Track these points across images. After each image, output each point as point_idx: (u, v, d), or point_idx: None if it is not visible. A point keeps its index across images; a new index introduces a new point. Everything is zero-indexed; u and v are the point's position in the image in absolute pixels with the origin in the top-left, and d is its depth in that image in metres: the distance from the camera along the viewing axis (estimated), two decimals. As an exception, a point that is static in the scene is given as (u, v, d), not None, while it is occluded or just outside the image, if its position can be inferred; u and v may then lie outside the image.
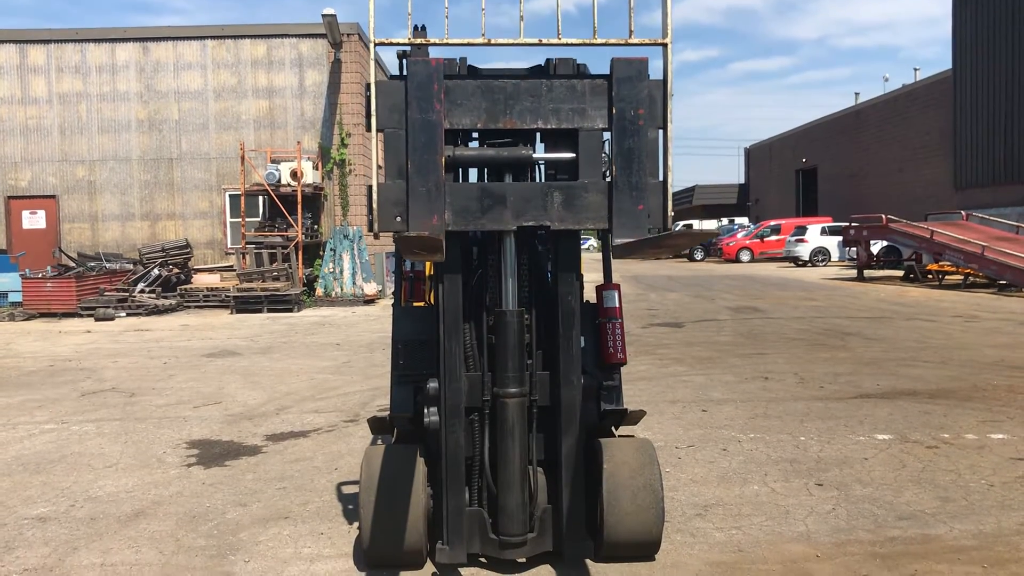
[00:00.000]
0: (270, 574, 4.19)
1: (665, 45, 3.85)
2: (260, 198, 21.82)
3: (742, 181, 66.07)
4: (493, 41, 4.01)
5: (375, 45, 3.81)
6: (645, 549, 4.20)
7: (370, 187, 3.82)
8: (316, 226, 22.29)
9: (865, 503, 5.09)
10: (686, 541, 4.53)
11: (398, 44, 4.05)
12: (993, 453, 6.11)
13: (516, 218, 3.85)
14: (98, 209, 22.65)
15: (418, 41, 3.94)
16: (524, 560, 4.18)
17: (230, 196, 22.41)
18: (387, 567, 4.16)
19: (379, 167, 3.83)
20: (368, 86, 3.79)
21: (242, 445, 6.79)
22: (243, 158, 21.12)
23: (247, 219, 21.34)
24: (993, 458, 5.98)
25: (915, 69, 49.29)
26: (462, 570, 4.13)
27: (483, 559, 4.20)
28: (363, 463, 4.16)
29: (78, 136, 22.52)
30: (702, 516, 4.91)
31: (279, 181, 20.91)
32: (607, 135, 3.93)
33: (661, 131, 3.90)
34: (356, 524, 4.67)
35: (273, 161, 21.46)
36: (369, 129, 3.78)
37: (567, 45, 4.01)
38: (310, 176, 21.30)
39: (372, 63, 3.80)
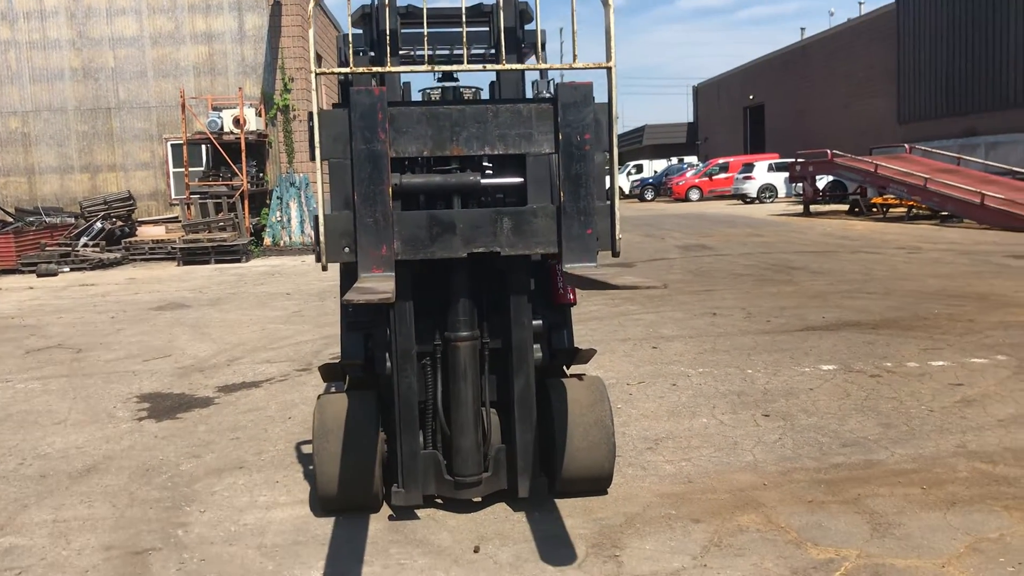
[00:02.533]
0: (226, 523, 4.20)
1: (609, 68, 3.84)
2: (203, 147, 21.42)
3: (691, 120, 66.19)
4: (436, 67, 4.01)
5: (315, 75, 3.75)
6: (598, 484, 4.28)
7: (316, 216, 3.78)
8: (261, 174, 21.97)
9: (810, 432, 5.22)
10: (637, 474, 4.62)
11: (340, 72, 4.00)
12: (933, 380, 6.28)
13: (466, 245, 3.81)
14: (34, 162, 22.07)
15: (360, 70, 3.86)
16: (479, 499, 4.24)
17: (172, 146, 21.96)
18: (343, 511, 4.19)
19: (323, 179, 3.78)
20: (311, 115, 3.72)
21: (194, 397, 6.75)
22: (184, 106, 20.66)
23: (190, 169, 20.96)
24: (933, 385, 6.16)
25: (859, 3, 49.36)
26: (418, 511, 4.17)
27: (439, 500, 4.25)
28: (316, 410, 4.17)
29: (8, 86, 21.84)
30: (653, 450, 5.01)
31: (222, 129, 20.52)
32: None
33: (607, 153, 3.91)
34: (312, 471, 4.68)
35: (215, 109, 21.02)
36: (313, 159, 3.72)
37: (512, 70, 4.03)
38: (253, 123, 20.93)
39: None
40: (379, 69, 3.88)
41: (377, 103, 3.68)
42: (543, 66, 4.18)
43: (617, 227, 3.88)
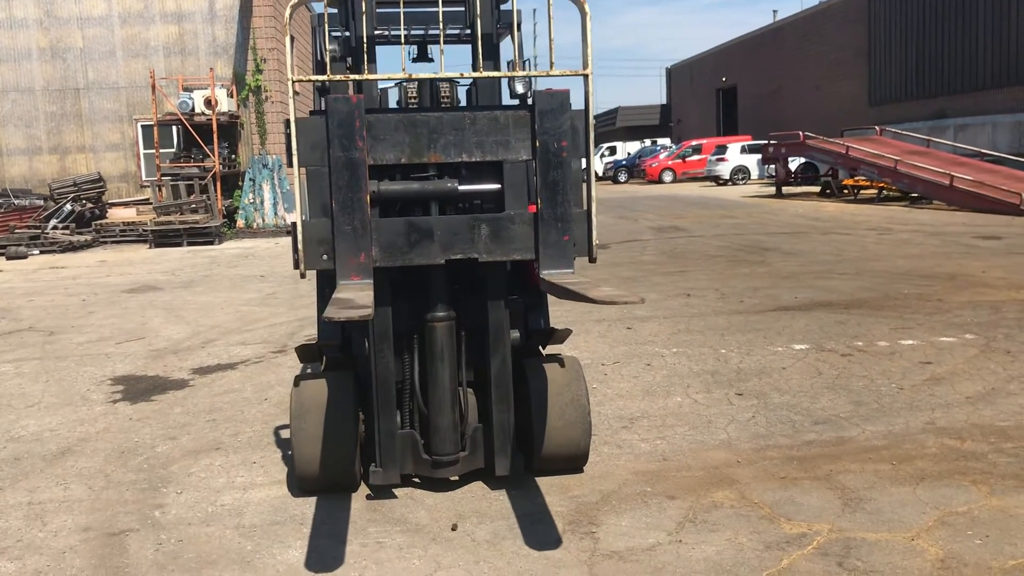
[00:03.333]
0: (204, 504, 4.20)
1: (586, 76, 3.87)
2: (174, 128, 21.21)
3: (664, 102, 66.26)
4: (414, 76, 4.03)
5: (292, 82, 3.74)
6: (574, 462, 4.32)
7: (293, 223, 3.78)
8: (234, 156, 21.79)
9: (783, 410, 5.30)
10: (613, 453, 4.67)
11: (317, 80, 3.99)
12: (903, 358, 6.38)
13: (443, 252, 3.83)
14: (2, 143, 21.76)
15: (338, 77, 3.85)
16: (457, 478, 4.27)
17: (142, 127, 21.72)
18: (322, 491, 4.20)
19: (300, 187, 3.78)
20: (287, 122, 3.72)
21: (168, 379, 6.73)
22: (154, 87, 20.43)
23: (161, 150, 20.74)
24: (903, 363, 6.25)
25: (831, -15, 49.49)
26: (396, 491, 4.20)
27: (416, 479, 4.28)
28: (293, 391, 4.18)
29: (-25, 67, 21.47)
30: (628, 428, 5.06)
31: (193, 110, 20.32)
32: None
33: (584, 159, 3.93)
34: (289, 452, 4.69)
35: (186, 89, 20.81)
36: (291, 166, 3.72)
37: (489, 77, 4.05)
38: (225, 104, 20.74)
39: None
40: (356, 77, 3.91)
41: (355, 111, 3.69)
42: (521, 73, 4.20)
43: (594, 233, 3.93)
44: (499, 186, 3.94)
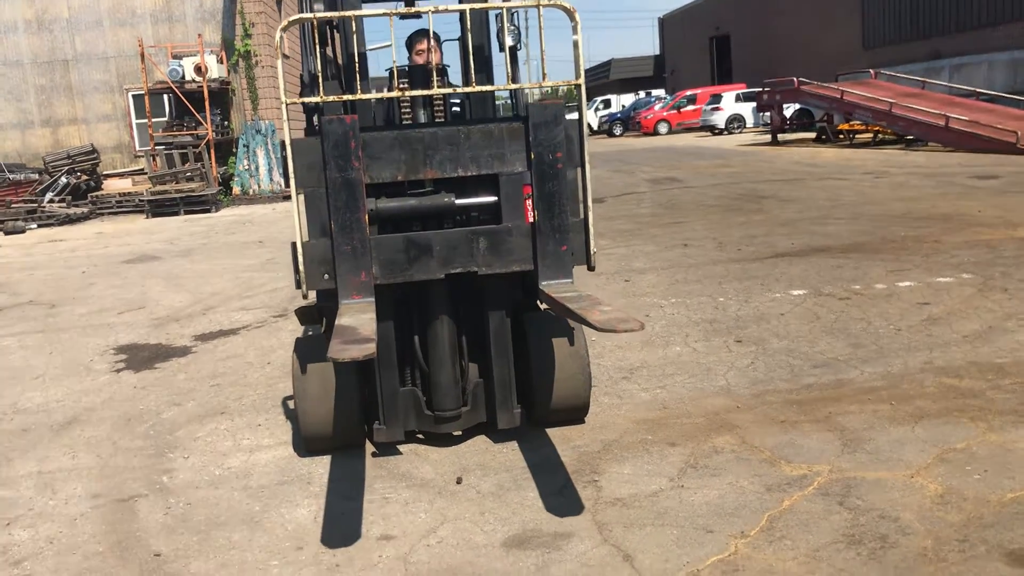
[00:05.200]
0: (211, 467, 4.25)
1: (579, 86, 3.88)
2: (165, 97, 21.06)
3: (657, 52, 65.69)
4: (407, 92, 4.03)
5: (285, 105, 3.72)
6: (575, 413, 4.37)
7: (294, 244, 3.80)
8: (226, 122, 21.66)
9: (782, 355, 5.33)
10: (613, 403, 4.71)
11: (310, 101, 3.98)
12: (901, 300, 6.40)
13: (443, 266, 3.86)
14: (-7, 119, 21.62)
15: (331, 98, 3.82)
16: (460, 433, 4.31)
17: (133, 96, 21.58)
18: (327, 451, 4.25)
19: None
20: (283, 144, 3.71)
21: (171, 347, 6.76)
22: (143, 55, 20.25)
23: (154, 119, 20.63)
24: (901, 304, 6.28)
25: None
26: (401, 447, 4.24)
27: (420, 435, 4.32)
28: (295, 353, 4.21)
29: (-39, 41, 21.29)
30: (628, 379, 5.10)
31: (183, 78, 20.18)
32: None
33: (580, 168, 3.93)
34: (293, 413, 4.74)
35: (175, 57, 20.64)
36: (288, 187, 3.72)
37: (482, 92, 4.06)
38: (215, 71, 20.58)
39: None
40: (350, 97, 3.89)
41: (349, 131, 3.70)
42: (514, 86, 4.21)
43: (592, 242, 3.96)
44: (496, 198, 3.95)
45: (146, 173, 20.43)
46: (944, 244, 8.36)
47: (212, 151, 20.39)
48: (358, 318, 3.49)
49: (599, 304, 3.51)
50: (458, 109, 4.71)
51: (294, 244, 3.82)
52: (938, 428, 4.06)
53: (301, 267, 3.79)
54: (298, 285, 3.84)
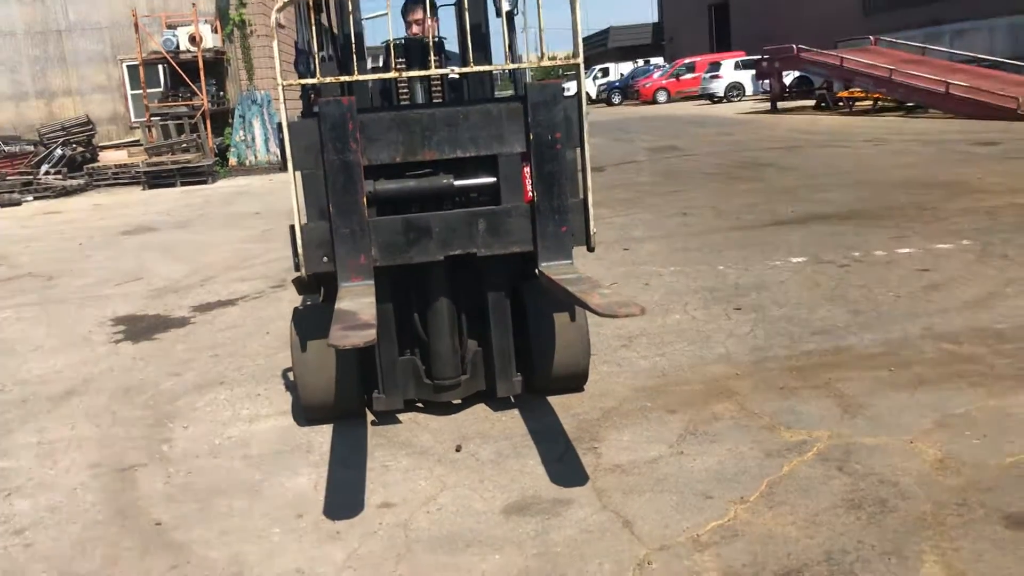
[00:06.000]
0: (210, 437, 4.25)
1: (577, 65, 3.85)
2: (160, 67, 20.91)
3: (656, 20, 65.17)
4: (404, 74, 4.01)
5: (282, 87, 3.67)
6: (574, 381, 4.36)
7: (292, 227, 3.77)
8: (222, 93, 21.53)
9: (781, 322, 5.32)
10: (612, 371, 4.71)
11: (307, 83, 3.96)
12: (900, 267, 6.39)
13: (442, 248, 3.83)
14: (-13, 90, 21.47)
15: (328, 79, 3.79)
16: (459, 402, 4.31)
17: (128, 67, 21.41)
18: (326, 420, 4.25)
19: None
20: (279, 126, 3.68)
21: (169, 318, 6.75)
22: (137, 25, 20.08)
23: (149, 90, 20.49)
24: (900, 271, 6.26)
25: None
26: (400, 416, 4.24)
27: (419, 404, 4.32)
28: (293, 323, 4.20)
29: (-47, 12, 21.09)
30: (627, 347, 5.09)
31: (178, 48, 20.02)
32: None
33: (579, 148, 3.89)
34: (292, 383, 4.74)
35: (169, 27, 20.47)
36: (285, 170, 3.70)
37: (479, 72, 4.02)
38: (210, 40, 20.43)
39: None
40: (347, 78, 3.85)
41: (347, 112, 3.66)
42: (512, 66, 4.18)
43: (592, 223, 3.94)
44: (495, 179, 3.92)
45: (142, 144, 20.33)
46: (944, 211, 8.33)
47: (208, 122, 20.27)
48: (358, 302, 3.48)
49: (599, 287, 3.50)
50: (456, 76, 4.66)
51: (292, 227, 3.79)
52: (937, 394, 4.06)
53: (300, 250, 3.77)
54: (297, 268, 3.83)
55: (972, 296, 5.55)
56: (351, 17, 3.99)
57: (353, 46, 3.92)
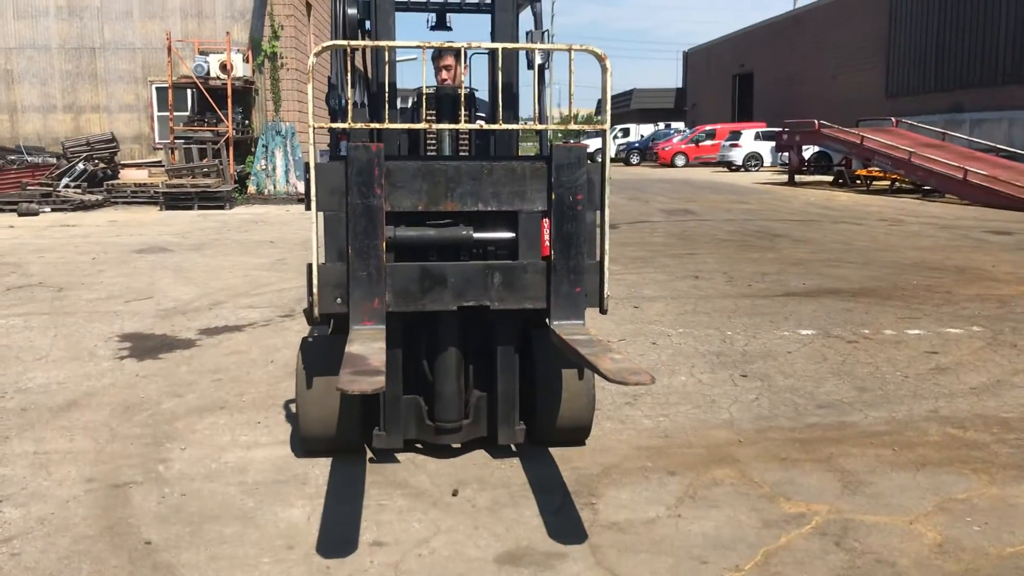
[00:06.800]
0: (207, 461, 4.23)
1: (604, 131, 3.92)
2: (188, 91, 21.16)
3: (680, 86, 65.92)
4: (434, 126, 4.08)
5: (312, 129, 3.74)
6: (576, 434, 4.34)
7: (309, 265, 3.80)
8: (247, 121, 21.76)
9: (787, 393, 5.30)
10: (615, 427, 4.69)
11: (337, 127, 4.02)
12: (909, 347, 6.37)
13: (456, 298, 3.86)
14: (17, 100, 21.76)
15: (359, 125, 3.85)
16: (459, 445, 4.29)
17: (157, 89, 21.69)
18: (325, 453, 4.23)
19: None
20: (307, 166, 3.75)
21: (176, 339, 6.76)
22: (170, 49, 20.39)
23: (175, 113, 20.73)
24: (909, 352, 6.25)
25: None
26: (399, 455, 4.22)
27: (419, 444, 4.30)
28: (300, 353, 4.19)
29: (-7, 22, 21.45)
30: (631, 405, 5.07)
31: (208, 74, 20.28)
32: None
33: (599, 211, 3.94)
34: (293, 413, 4.72)
35: (201, 53, 20.76)
36: (308, 209, 3.74)
37: (507, 129, 4.05)
38: (240, 69, 20.69)
39: None
40: (377, 126, 3.90)
41: (375, 159, 3.71)
42: (540, 126, 4.27)
43: (606, 285, 3.96)
44: (513, 235, 3.96)
45: (163, 165, 20.50)
46: (956, 296, 8.33)
47: (231, 148, 20.46)
48: (368, 346, 3.48)
49: (610, 350, 3.50)
50: (483, 116, 4.71)
51: (309, 266, 3.82)
52: (940, 477, 4.02)
53: (315, 290, 3.79)
54: (310, 307, 3.84)
55: (980, 382, 5.53)
56: (386, 67, 4.04)
57: (386, 94, 3.97)
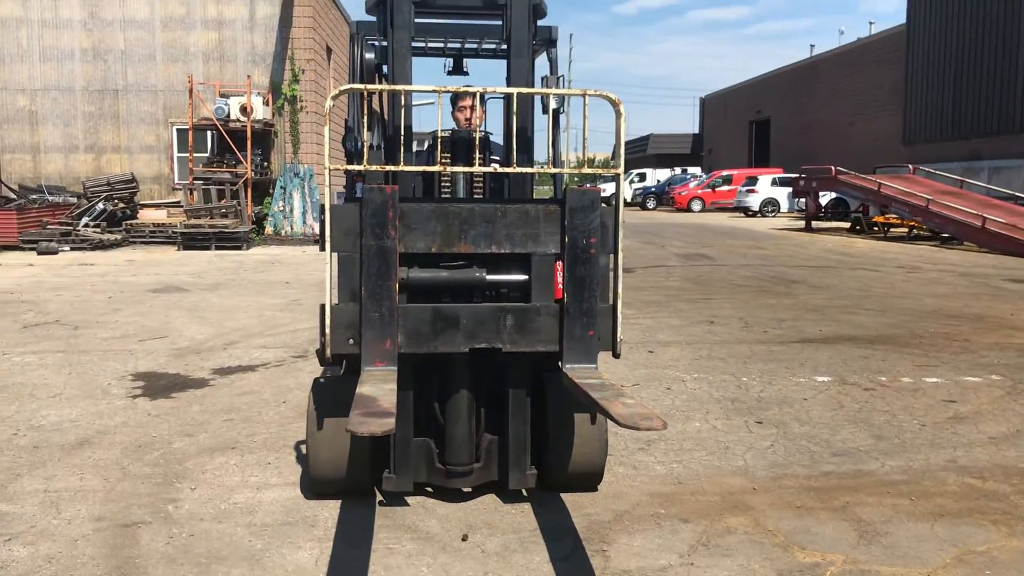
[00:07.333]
0: (217, 501, 4.21)
1: (618, 175, 3.94)
2: (208, 133, 21.43)
3: (696, 131, 66.25)
4: (448, 169, 4.09)
5: (328, 170, 3.78)
6: (588, 480, 4.29)
7: (323, 306, 3.83)
8: (266, 163, 21.98)
9: (802, 440, 5.24)
10: (628, 473, 4.63)
11: (353, 169, 4.05)
12: (927, 396, 6.30)
13: (468, 340, 3.86)
14: (40, 140, 22.09)
15: (374, 168, 3.90)
16: (470, 489, 4.25)
17: (177, 130, 21.98)
18: (334, 495, 4.20)
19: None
20: (322, 208, 3.79)
21: (189, 378, 6.76)
22: (191, 91, 20.68)
23: (195, 154, 20.97)
24: (926, 400, 6.17)
25: (870, 23, 49.55)
26: (409, 498, 4.19)
27: (429, 488, 4.27)
28: (311, 394, 4.18)
29: (18, 64, 21.86)
30: (644, 451, 5.02)
31: (228, 116, 20.54)
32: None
33: (613, 255, 3.96)
34: (303, 455, 4.70)
35: (222, 95, 21.04)
36: (323, 250, 3.78)
37: (521, 173, 4.07)
38: (260, 112, 20.94)
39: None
40: (392, 168, 3.93)
41: (389, 201, 3.73)
42: (554, 170, 4.29)
43: (619, 329, 3.95)
44: (526, 277, 3.96)
45: (182, 206, 20.69)
46: (974, 344, 8.25)
47: (249, 190, 20.64)
48: (379, 388, 3.47)
49: (622, 395, 3.47)
50: (497, 160, 4.74)
51: (323, 306, 3.82)
52: (958, 528, 3.95)
53: (328, 330, 3.79)
54: (322, 348, 3.84)
55: (999, 432, 5.45)
56: (402, 111, 4.07)
57: (401, 137, 3.99)
